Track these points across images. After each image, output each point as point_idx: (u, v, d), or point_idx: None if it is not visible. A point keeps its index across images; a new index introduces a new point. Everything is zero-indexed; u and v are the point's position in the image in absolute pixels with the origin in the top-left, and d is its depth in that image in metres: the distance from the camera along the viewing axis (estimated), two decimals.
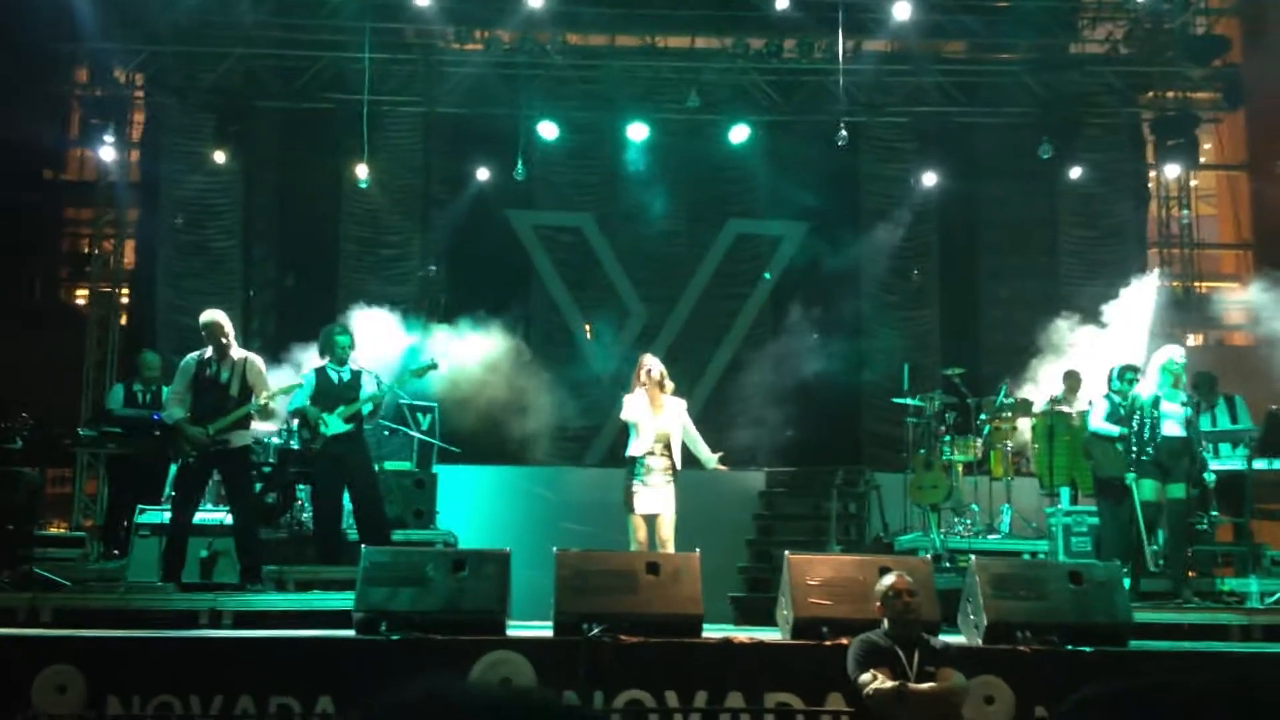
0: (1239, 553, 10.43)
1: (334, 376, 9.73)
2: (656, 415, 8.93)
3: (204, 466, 9.08)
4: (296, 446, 10.29)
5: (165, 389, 11.28)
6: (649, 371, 9.02)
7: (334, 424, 9.53)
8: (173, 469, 9.88)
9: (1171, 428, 9.21)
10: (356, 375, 9.78)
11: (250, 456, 9.54)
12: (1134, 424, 9.24)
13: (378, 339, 11.28)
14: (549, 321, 16.11)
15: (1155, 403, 9.20)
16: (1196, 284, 16.61)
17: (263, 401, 9.13)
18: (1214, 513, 9.97)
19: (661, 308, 16.02)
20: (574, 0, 14.93)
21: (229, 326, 9.21)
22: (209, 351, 9.14)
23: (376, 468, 10.39)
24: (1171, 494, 9.10)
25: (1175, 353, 9.46)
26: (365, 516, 9.67)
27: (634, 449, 8.94)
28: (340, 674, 6.89)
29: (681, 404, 9.15)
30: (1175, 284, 15.90)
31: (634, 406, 8.97)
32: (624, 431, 9.21)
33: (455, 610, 7.16)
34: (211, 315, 9.20)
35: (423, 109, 15.69)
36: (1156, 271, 12.12)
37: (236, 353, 9.19)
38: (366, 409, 9.76)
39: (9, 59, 16.45)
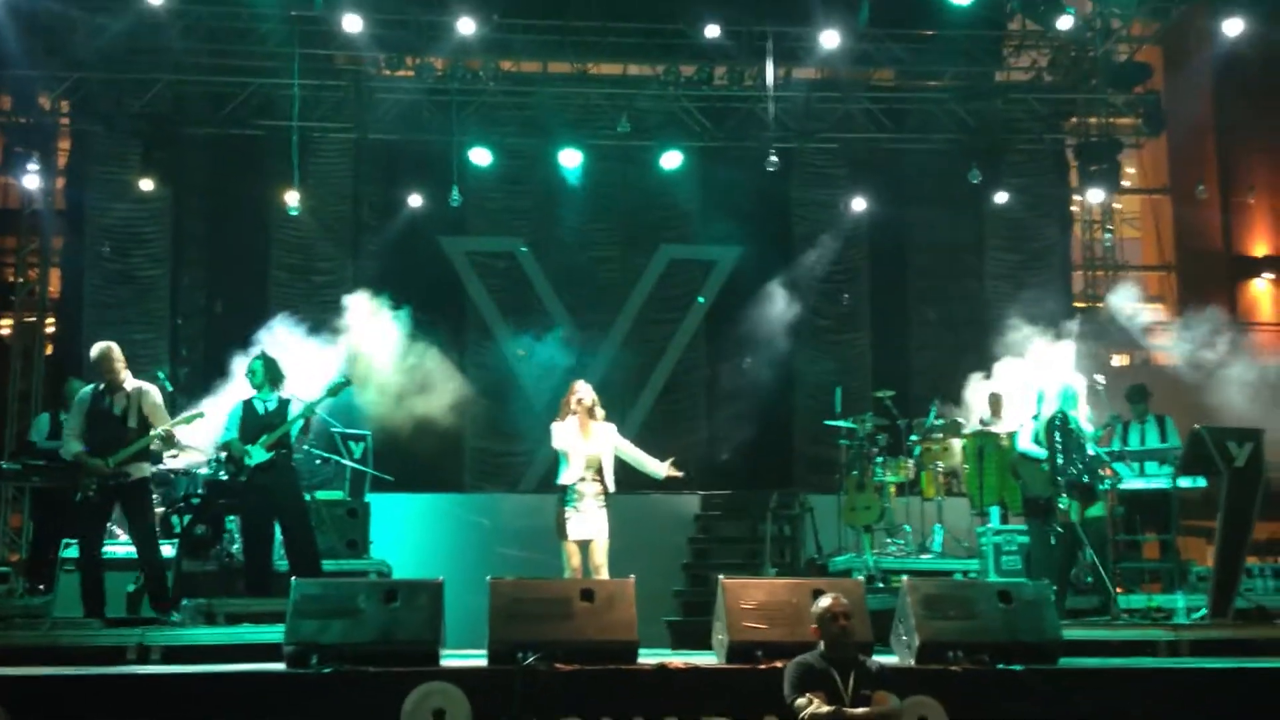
0: (1166, 569, 10.62)
1: (260, 406, 9.63)
2: (587, 441, 8.97)
3: (104, 499, 8.87)
4: (224, 478, 10.17)
5: None
6: (579, 399, 9.04)
7: (257, 454, 9.43)
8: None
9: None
10: (285, 403, 9.67)
11: (149, 487, 9.32)
12: (1057, 447, 9.34)
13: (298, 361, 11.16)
14: (482, 347, 16.06)
15: (1074, 423, 9.31)
16: None
17: (162, 432, 8.97)
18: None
19: (596, 333, 16.03)
20: (506, 27, 14.97)
21: (120, 358, 9.01)
22: (101, 384, 8.97)
23: (307, 497, 10.26)
24: (1091, 512, 9.23)
25: (1064, 386, 9.58)
26: (295, 547, 9.56)
27: (565, 476, 8.95)
28: (272, 708, 6.79)
29: (611, 428, 9.17)
30: (1099, 304, 16.19)
31: (564, 434, 8.99)
32: (556, 458, 9.20)
33: (388, 641, 7.08)
34: (100, 347, 9.03)
35: (353, 135, 15.63)
36: (1075, 324, 12.14)
37: (130, 384, 9.00)
38: (295, 430, 9.66)
39: None
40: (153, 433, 8.89)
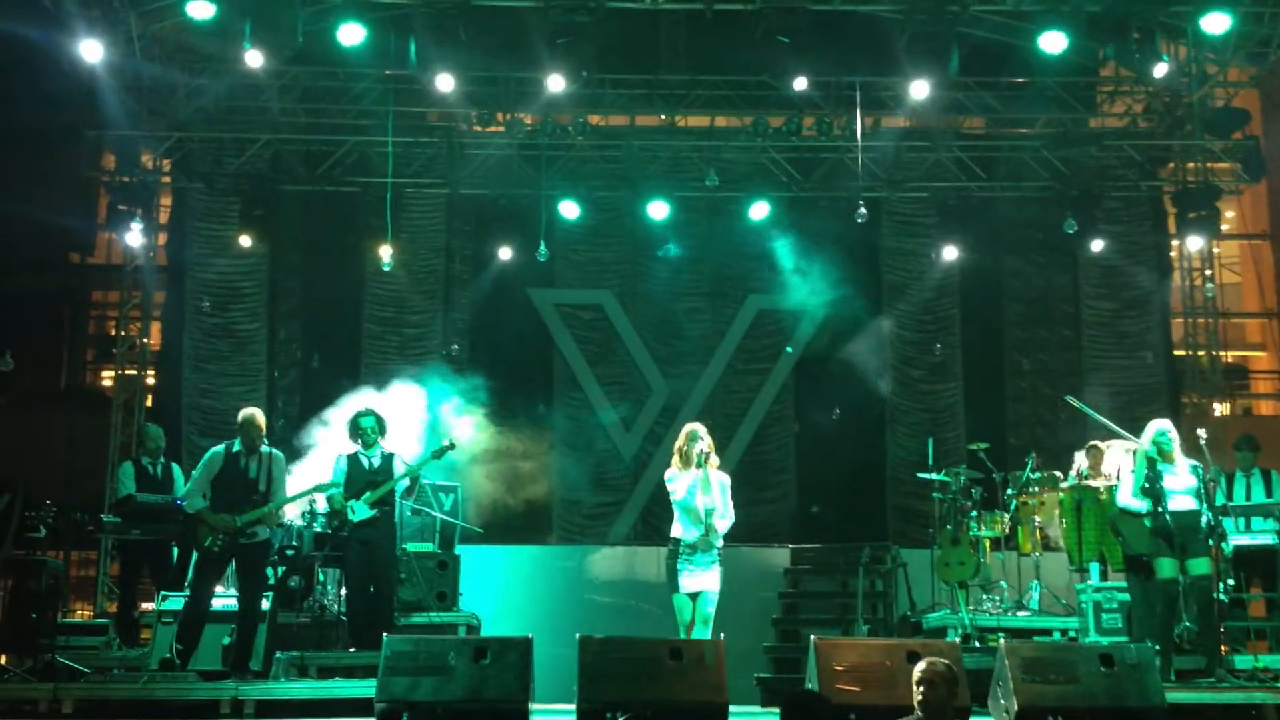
0: (1272, 628, 10.27)
1: (365, 462, 9.83)
2: (709, 492, 8.46)
3: (225, 555, 9.12)
4: (319, 529, 10.32)
5: (175, 465, 11.46)
6: (703, 444, 8.48)
7: (360, 510, 9.60)
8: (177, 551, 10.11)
9: (1183, 501, 8.91)
10: (389, 459, 9.85)
11: (269, 550, 9.55)
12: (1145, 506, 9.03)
13: (399, 418, 11.30)
14: (571, 399, 16.11)
15: (1154, 482, 8.96)
16: (1222, 353, 16.49)
17: (279, 505, 9.32)
18: (1229, 581, 9.60)
19: (684, 384, 16.00)
20: (595, 82, 15.11)
21: (264, 424, 9.30)
22: (237, 445, 9.23)
23: (399, 552, 10.34)
24: (1195, 570, 8.84)
25: (1158, 427, 9.18)
26: (376, 600, 9.69)
27: (686, 531, 8.46)
28: None
29: (728, 480, 8.65)
30: (1201, 354, 15.82)
31: (686, 485, 8.46)
32: (664, 507, 8.74)
33: (478, 699, 7.09)
34: (251, 412, 9.31)
35: (445, 190, 15.88)
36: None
37: (264, 448, 9.28)
38: (401, 489, 9.82)
39: (38, 145, 16.79)
40: (273, 502, 9.15)
